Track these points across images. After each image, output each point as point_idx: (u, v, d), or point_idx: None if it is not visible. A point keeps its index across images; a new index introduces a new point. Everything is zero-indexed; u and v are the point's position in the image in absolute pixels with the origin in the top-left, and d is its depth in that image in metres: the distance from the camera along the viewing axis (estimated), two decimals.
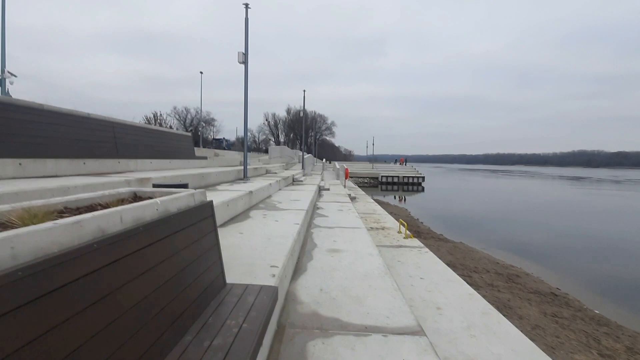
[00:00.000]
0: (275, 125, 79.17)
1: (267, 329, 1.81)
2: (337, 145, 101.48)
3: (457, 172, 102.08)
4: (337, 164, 24.11)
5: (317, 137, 72.39)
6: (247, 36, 8.33)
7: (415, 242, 6.19)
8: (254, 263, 2.73)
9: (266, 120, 78.52)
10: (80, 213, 1.42)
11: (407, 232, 6.62)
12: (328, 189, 11.70)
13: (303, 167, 17.85)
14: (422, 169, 50.89)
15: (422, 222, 15.15)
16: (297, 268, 3.41)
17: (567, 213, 21.15)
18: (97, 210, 1.51)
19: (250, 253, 3.01)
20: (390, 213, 11.33)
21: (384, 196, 27.96)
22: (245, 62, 8.45)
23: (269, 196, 7.34)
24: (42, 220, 1.13)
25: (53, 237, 1.00)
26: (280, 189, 8.99)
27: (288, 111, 77.39)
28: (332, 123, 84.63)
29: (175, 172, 6.15)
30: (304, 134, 25.40)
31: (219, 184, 7.02)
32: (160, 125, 40.61)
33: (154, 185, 2.44)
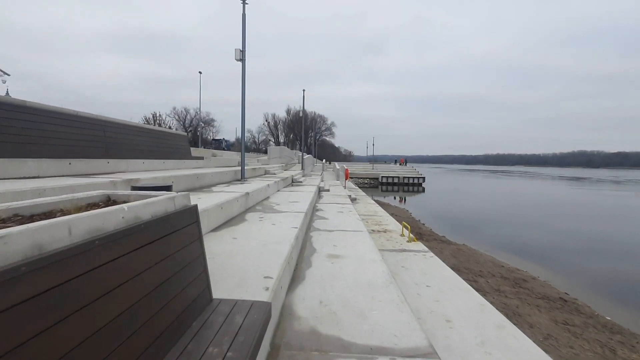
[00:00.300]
0: (275, 125, 78.98)
1: (256, 358, 1.54)
2: (337, 145, 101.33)
3: (457, 172, 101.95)
4: (337, 165, 23.85)
5: (317, 137, 72.19)
6: (244, 33, 8.08)
7: (420, 245, 5.92)
8: (246, 273, 2.47)
9: (266, 120, 78.36)
10: (33, 221, 1.16)
11: (411, 235, 6.35)
12: (328, 190, 11.44)
13: (302, 168, 17.58)
14: (422, 170, 50.66)
15: (423, 224, 14.89)
16: (295, 276, 3.14)
17: (567, 213, 20.91)
18: (57, 217, 1.25)
19: (243, 262, 2.75)
20: (391, 214, 11.06)
21: (384, 197, 27.71)
22: (242, 59, 8.19)
23: (267, 198, 7.08)
24: None
25: None
26: (278, 190, 8.72)
27: (288, 112, 77.24)
28: (332, 123, 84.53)
29: (168, 172, 5.88)
30: (304, 134, 25.16)
31: (214, 185, 6.75)
32: (160, 125, 40.34)
33: (133, 188, 2.17)
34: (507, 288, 6.70)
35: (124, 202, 1.84)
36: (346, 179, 15.50)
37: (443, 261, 5.33)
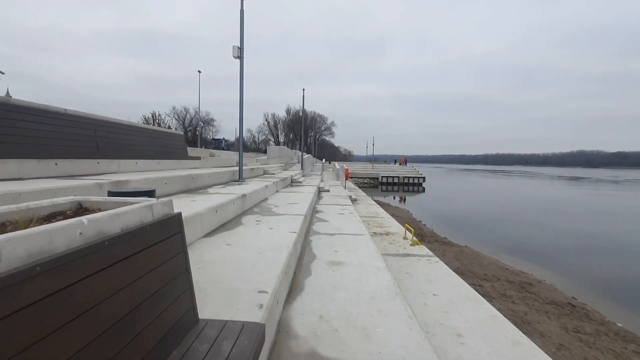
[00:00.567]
0: (275, 125, 78.74)
1: None
2: (336, 145, 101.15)
3: (457, 172, 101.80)
4: (337, 164, 23.60)
5: (317, 137, 71.94)
6: (242, 29, 7.84)
7: (423, 249, 5.69)
8: (239, 287, 2.23)
9: (266, 120, 78.11)
10: None
11: (414, 238, 6.12)
12: (328, 191, 11.20)
13: (302, 168, 17.34)
14: (422, 169, 50.41)
15: (424, 225, 14.66)
16: (293, 287, 2.91)
17: (567, 213, 20.70)
18: (6, 232, 1.01)
19: (236, 273, 2.51)
20: (392, 215, 10.82)
21: (384, 197, 27.48)
22: (240, 56, 7.95)
23: (265, 199, 6.84)
24: None
25: None
26: (277, 191, 8.49)
27: (288, 111, 76.98)
28: (332, 123, 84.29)
29: (162, 173, 5.64)
30: (304, 134, 24.91)
31: (211, 186, 6.51)
32: (159, 125, 40.05)
33: (110, 194, 1.94)
34: (514, 293, 6.48)
35: (98, 209, 1.62)
36: (346, 179, 15.25)
37: (447, 264, 5.11)
